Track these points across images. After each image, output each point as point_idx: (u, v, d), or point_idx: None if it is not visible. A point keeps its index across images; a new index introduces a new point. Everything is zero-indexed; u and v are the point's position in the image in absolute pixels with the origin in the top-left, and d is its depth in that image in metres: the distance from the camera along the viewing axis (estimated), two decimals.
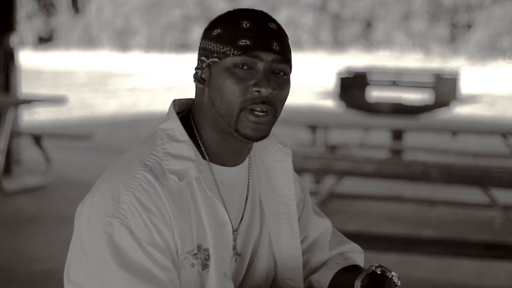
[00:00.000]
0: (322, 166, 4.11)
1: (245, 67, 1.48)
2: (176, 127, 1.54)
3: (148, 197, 1.46)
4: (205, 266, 1.51)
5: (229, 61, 1.49)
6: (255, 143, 1.62)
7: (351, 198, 6.51)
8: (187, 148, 1.52)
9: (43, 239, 5.15)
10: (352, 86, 10.97)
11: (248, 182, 1.62)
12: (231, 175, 1.58)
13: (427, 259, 4.68)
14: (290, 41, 1.57)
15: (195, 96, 1.58)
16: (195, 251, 1.50)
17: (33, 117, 12.59)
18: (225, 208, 1.55)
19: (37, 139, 6.93)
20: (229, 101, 1.49)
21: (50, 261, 4.60)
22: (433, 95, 10.91)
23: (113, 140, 10.64)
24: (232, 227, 1.57)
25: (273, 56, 1.49)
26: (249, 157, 1.63)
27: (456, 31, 34.39)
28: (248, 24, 1.49)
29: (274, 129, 1.59)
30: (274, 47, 1.49)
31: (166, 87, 20.34)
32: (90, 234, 1.48)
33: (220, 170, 1.56)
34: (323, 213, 1.78)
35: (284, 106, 1.56)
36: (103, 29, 38.73)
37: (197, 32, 36.42)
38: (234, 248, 1.58)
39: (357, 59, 28.47)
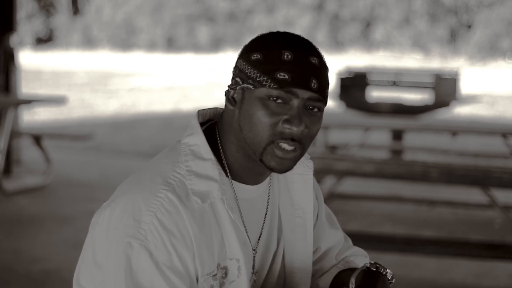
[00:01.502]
0: (322, 166, 4.11)
1: (279, 101, 1.44)
2: (201, 144, 1.50)
3: (170, 219, 1.42)
4: (221, 284, 1.48)
5: (264, 91, 1.43)
6: None
7: (351, 198, 6.51)
8: (211, 167, 1.48)
9: (43, 239, 5.15)
10: (352, 86, 10.97)
11: (268, 198, 1.60)
12: (253, 193, 1.55)
13: (427, 259, 4.68)
14: None
15: (224, 114, 1.52)
16: (215, 272, 1.47)
17: (33, 117, 12.59)
18: (245, 227, 1.53)
19: (37, 139, 6.93)
20: (258, 132, 1.44)
21: (50, 261, 4.59)
22: (433, 95, 10.91)
23: (113, 140, 10.64)
24: (252, 245, 1.55)
25: (309, 94, 1.44)
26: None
27: (456, 32, 34.39)
28: (289, 56, 1.43)
29: None
30: (313, 85, 1.44)
31: (166, 87, 20.33)
32: (108, 250, 1.45)
33: (242, 188, 1.53)
34: (337, 223, 1.76)
35: None
36: (103, 30, 38.72)
37: (198, 32, 36.43)
38: (253, 267, 1.57)
39: (357, 59, 28.47)
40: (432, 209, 6.30)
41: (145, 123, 12.77)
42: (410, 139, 9.14)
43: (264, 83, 1.43)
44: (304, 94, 1.43)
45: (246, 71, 1.46)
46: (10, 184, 6.76)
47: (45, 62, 29.69)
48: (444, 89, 10.86)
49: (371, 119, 8.64)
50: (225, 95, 1.51)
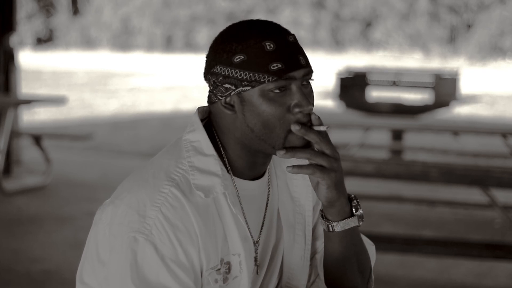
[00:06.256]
0: None
1: (280, 90, 1.46)
2: (202, 140, 1.52)
3: (175, 213, 1.44)
4: (225, 279, 1.50)
5: (264, 87, 1.45)
6: None
7: None
8: (213, 162, 1.50)
9: (43, 239, 5.15)
10: (352, 86, 10.96)
11: (268, 193, 1.61)
12: (253, 188, 1.57)
13: (427, 259, 4.68)
14: None
15: (220, 118, 1.52)
16: (219, 266, 1.49)
17: (33, 117, 12.59)
18: (246, 221, 1.54)
19: (37, 139, 6.93)
20: (274, 126, 1.46)
21: (50, 261, 4.60)
22: (433, 95, 10.90)
23: (113, 140, 10.64)
24: (253, 239, 1.57)
25: (303, 71, 1.48)
26: (268, 168, 1.62)
27: (456, 31, 34.39)
28: (272, 46, 1.45)
29: None
30: (302, 61, 1.47)
31: (166, 87, 20.33)
32: (111, 245, 1.46)
33: (243, 184, 1.55)
34: None
35: None
36: (103, 30, 38.72)
37: (197, 32, 36.40)
38: (256, 260, 1.58)
39: (357, 59, 28.47)
40: (432, 209, 6.30)
41: (145, 123, 12.77)
42: (410, 139, 9.13)
43: (262, 80, 1.44)
44: (299, 73, 1.47)
45: (235, 75, 1.46)
46: (10, 184, 6.76)
47: (45, 62, 29.68)
48: (444, 89, 10.86)
49: (371, 119, 8.64)
50: (213, 101, 1.51)
